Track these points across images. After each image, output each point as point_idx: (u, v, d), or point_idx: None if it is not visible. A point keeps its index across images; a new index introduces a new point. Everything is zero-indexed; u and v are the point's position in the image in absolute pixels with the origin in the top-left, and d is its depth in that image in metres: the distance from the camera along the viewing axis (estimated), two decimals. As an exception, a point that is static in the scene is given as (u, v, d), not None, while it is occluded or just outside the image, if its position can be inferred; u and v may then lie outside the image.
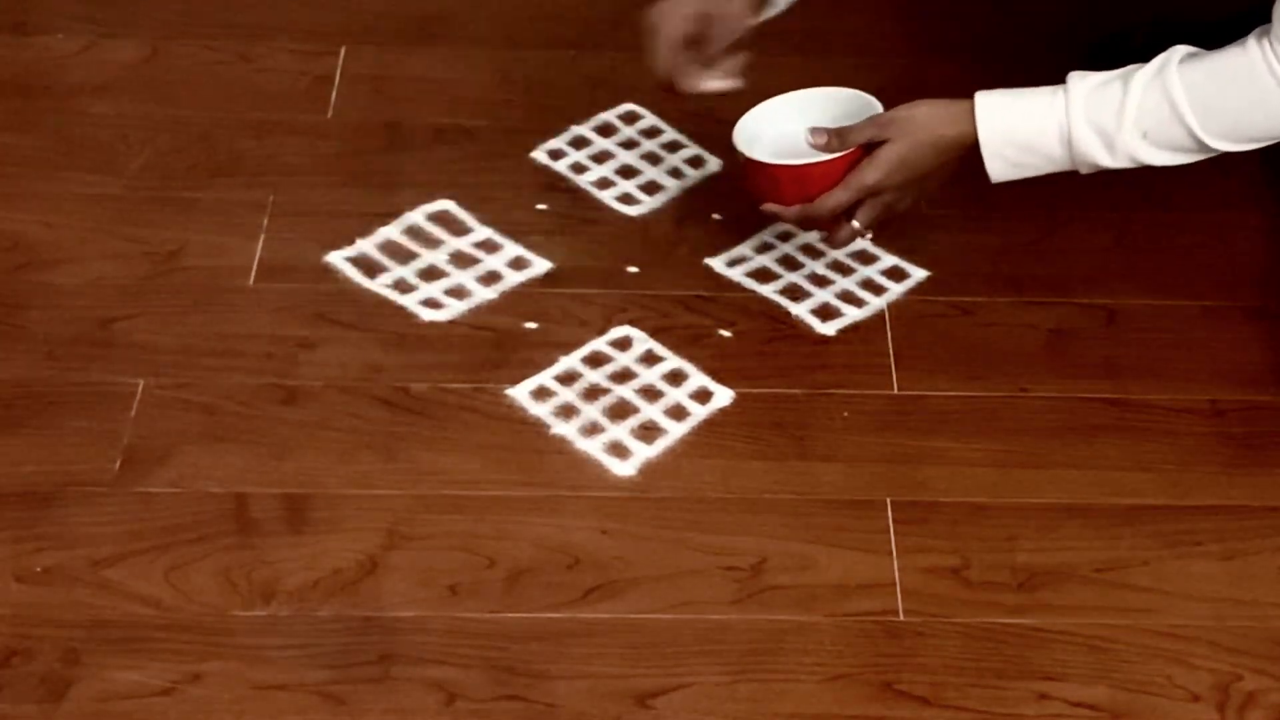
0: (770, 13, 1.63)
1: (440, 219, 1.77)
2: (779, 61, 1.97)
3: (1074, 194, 1.67)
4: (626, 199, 1.80)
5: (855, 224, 1.56)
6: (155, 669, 1.36)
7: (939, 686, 1.38)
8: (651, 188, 1.81)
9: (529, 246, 1.74)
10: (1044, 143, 1.49)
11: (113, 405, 1.56)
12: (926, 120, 1.53)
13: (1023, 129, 1.50)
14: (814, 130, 1.56)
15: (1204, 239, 1.75)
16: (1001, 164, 1.51)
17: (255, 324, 1.65)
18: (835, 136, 1.55)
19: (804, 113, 1.61)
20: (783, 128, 1.60)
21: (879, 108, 1.57)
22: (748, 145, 1.57)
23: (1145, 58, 1.77)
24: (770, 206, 1.57)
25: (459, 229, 1.76)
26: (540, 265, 1.72)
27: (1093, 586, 1.45)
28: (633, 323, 1.66)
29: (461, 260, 1.72)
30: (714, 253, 1.74)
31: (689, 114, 1.89)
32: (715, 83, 1.59)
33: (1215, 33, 1.60)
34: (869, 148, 1.53)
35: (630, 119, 1.89)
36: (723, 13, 1.57)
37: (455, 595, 1.43)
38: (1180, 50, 1.49)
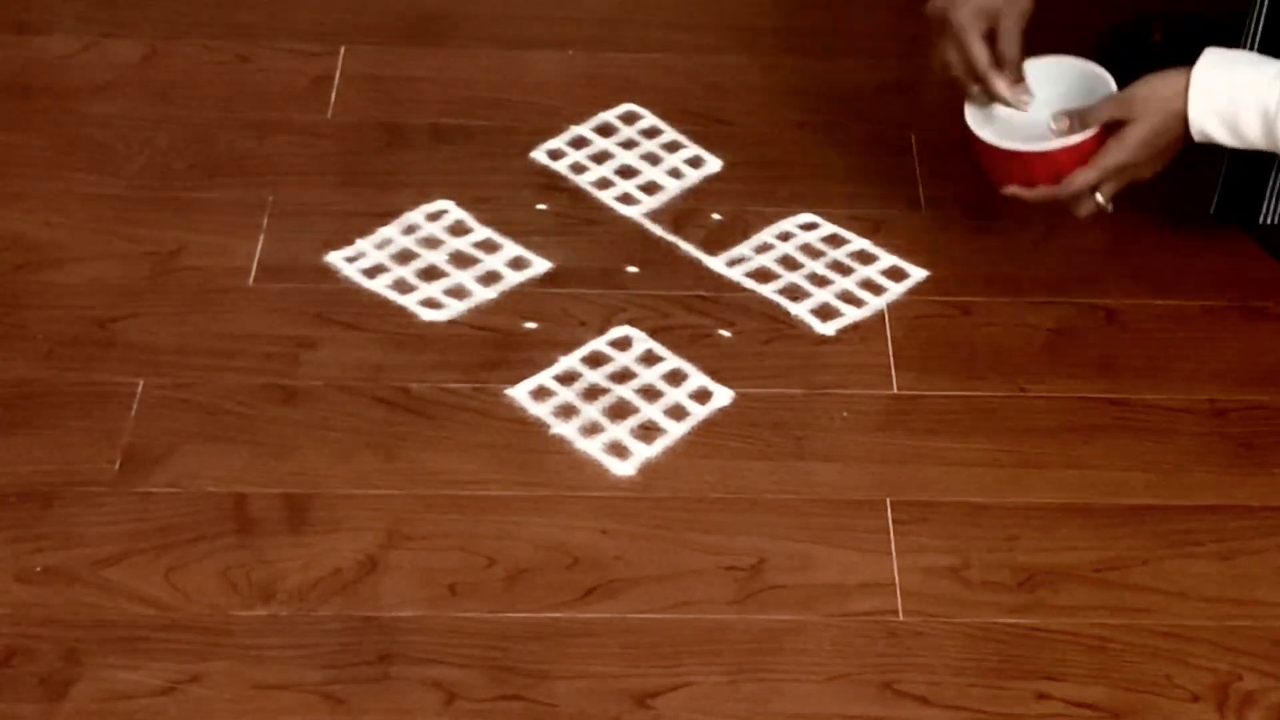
0: None
1: (440, 219, 1.77)
2: (779, 61, 1.98)
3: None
4: (626, 199, 1.80)
5: (1099, 198, 1.57)
6: (155, 669, 1.36)
7: (938, 686, 1.38)
8: (651, 188, 1.81)
9: (529, 246, 1.74)
10: (1245, 123, 1.49)
11: (112, 405, 1.56)
12: (1169, 94, 1.52)
13: (1226, 104, 1.49)
14: (1057, 115, 1.56)
15: (1204, 239, 1.74)
16: (1209, 133, 1.51)
17: (255, 324, 1.65)
18: (1078, 120, 1.56)
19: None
20: (1008, 109, 1.61)
21: (1104, 76, 1.58)
22: (982, 128, 1.58)
23: (1164, 54, 1.77)
24: (1014, 189, 1.58)
25: (459, 229, 1.76)
26: (540, 265, 1.72)
27: (1092, 586, 1.45)
28: (632, 323, 1.66)
29: (461, 260, 1.72)
30: (714, 253, 1.74)
31: (689, 114, 1.89)
32: (1025, 99, 1.60)
33: (1232, 24, 1.60)
34: (1111, 125, 1.54)
35: (630, 119, 1.90)
36: (1011, 3, 1.58)
37: (455, 595, 1.43)
38: None
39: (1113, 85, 1.58)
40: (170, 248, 1.72)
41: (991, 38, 1.59)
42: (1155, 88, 1.53)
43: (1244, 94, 1.49)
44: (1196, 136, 1.52)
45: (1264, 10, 1.59)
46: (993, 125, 1.60)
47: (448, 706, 1.35)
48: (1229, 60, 1.51)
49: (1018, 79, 1.60)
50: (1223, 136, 1.51)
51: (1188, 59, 1.62)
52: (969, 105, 1.60)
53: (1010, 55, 1.60)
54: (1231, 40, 1.60)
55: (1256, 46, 1.59)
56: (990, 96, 1.60)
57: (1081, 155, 1.55)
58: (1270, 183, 1.62)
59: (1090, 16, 2.00)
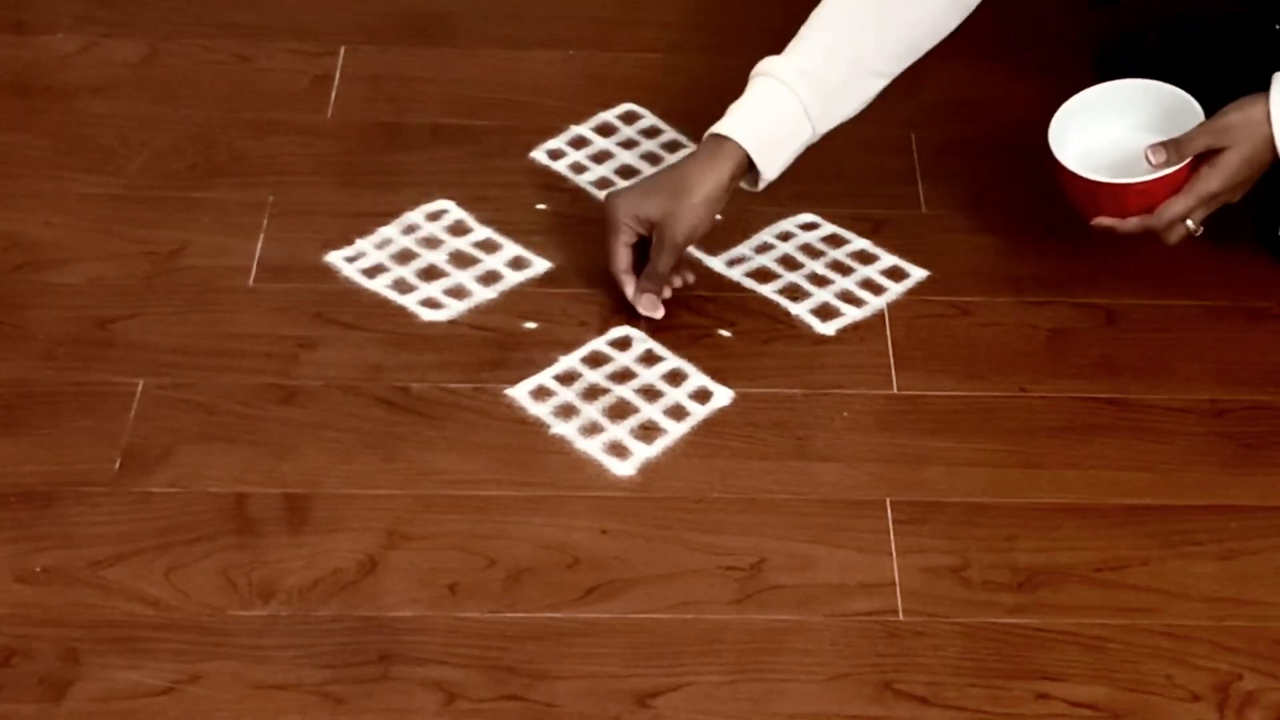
0: (760, 185, 1.64)
1: (440, 219, 1.77)
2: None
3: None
4: (626, 199, 1.80)
5: (1189, 224, 1.58)
6: (155, 669, 1.36)
7: (938, 686, 1.38)
8: (651, 188, 1.81)
9: (529, 246, 1.74)
10: None
11: (112, 405, 1.56)
12: (1260, 119, 1.53)
13: None
14: (1153, 148, 1.56)
15: (1204, 239, 1.74)
16: None
17: (255, 324, 1.65)
18: (1173, 150, 1.56)
19: (1107, 110, 1.62)
20: (1087, 132, 1.62)
21: (1190, 102, 1.58)
22: (1061, 153, 1.57)
23: (1158, 61, 1.78)
24: (1105, 221, 1.58)
25: (459, 229, 1.76)
26: (540, 265, 1.72)
27: (1092, 586, 1.45)
28: (632, 323, 1.66)
29: (461, 260, 1.72)
30: (714, 253, 1.74)
31: (689, 114, 1.89)
32: (646, 307, 1.64)
33: (1226, 33, 1.60)
34: (1205, 153, 1.55)
35: (630, 119, 1.90)
36: (671, 223, 1.59)
37: (455, 595, 1.43)
38: None
39: (1199, 112, 1.58)
40: (170, 248, 1.72)
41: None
42: (1248, 114, 1.54)
43: None
44: None
45: None
46: (1070, 150, 1.59)
47: (448, 706, 1.35)
48: None
49: (656, 290, 1.63)
50: None
51: (1183, 68, 1.63)
52: (1052, 132, 1.60)
53: (655, 268, 1.62)
54: (1227, 46, 1.60)
55: None
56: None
57: (1175, 185, 1.56)
58: None
59: (1088, 23, 2.00)
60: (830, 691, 1.37)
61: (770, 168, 1.60)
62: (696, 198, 1.59)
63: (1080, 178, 1.57)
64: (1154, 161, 1.56)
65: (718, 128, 1.60)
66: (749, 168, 1.60)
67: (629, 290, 1.64)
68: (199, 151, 1.83)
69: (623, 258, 1.63)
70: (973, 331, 1.67)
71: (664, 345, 1.64)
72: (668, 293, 1.65)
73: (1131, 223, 1.58)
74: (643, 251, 1.63)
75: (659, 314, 1.64)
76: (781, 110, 1.59)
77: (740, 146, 1.58)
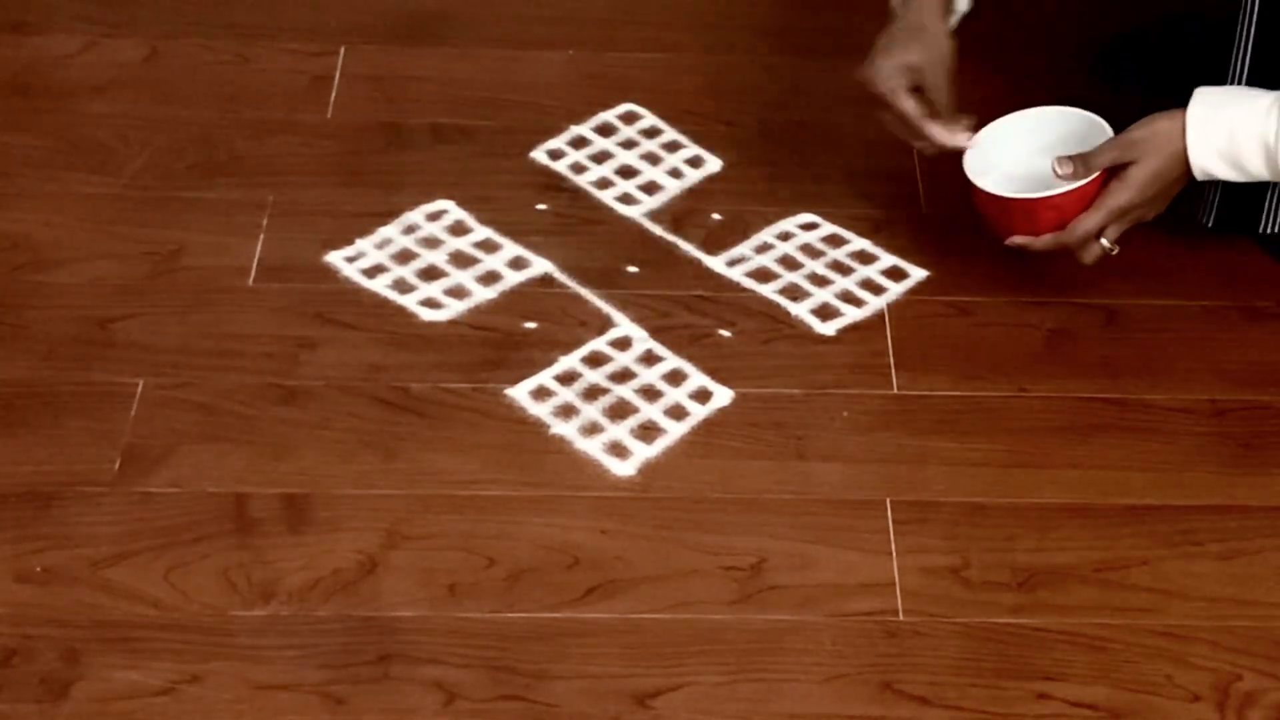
0: (954, 19, 1.66)
1: (440, 219, 1.77)
2: (780, 61, 1.99)
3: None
4: (626, 199, 1.80)
5: (1104, 242, 1.58)
6: (155, 669, 1.36)
7: (938, 686, 1.38)
8: (651, 188, 1.81)
9: (529, 246, 1.74)
10: (1248, 158, 1.52)
11: (113, 405, 1.56)
12: (1170, 134, 1.54)
13: (1226, 143, 1.52)
14: (1060, 160, 1.57)
15: (1204, 239, 1.74)
16: (1212, 171, 1.54)
17: (255, 324, 1.65)
18: (1080, 164, 1.56)
19: (1022, 136, 1.63)
20: (1005, 156, 1.63)
21: (1100, 122, 1.59)
22: (981, 179, 1.59)
23: (1160, 60, 1.78)
24: (1018, 239, 1.60)
25: (459, 229, 1.76)
26: (540, 265, 1.72)
27: (1092, 586, 1.45)
28: (632, 323, 1.66)
29: (461, 260, 1.72)
30: (714, 253, 1.74)
31: (689, 114, 1.89)
32: (962, 137, 1.62)
33: (1225, 33, 1.60)
34: (1114, 168, 1.55)
35: (630, 119, 1.90)
36: (930, 56, 1.61)
37: (455, 595, 1.43)
38: None
39: (1109, 130, 1.59)
40: (170, 248, 1.72)
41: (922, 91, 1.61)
42: (1156, 129, 1.55)
43: (1242, 130, 1.51)
44: (1199, 175, 1.55)
45: (1253, 24, 1.59)
46: (991, 175, 1.60)
47: (448, 706, 1.35)
48: (1221, 98, 1.53)
49: (954, 121, 1.62)
50: (1226, 173, 1.54)
51: (1183, 68, 1.63)
52: (966, 158, 1.61)
53: (942, 103, 1.62)
54: (1225, 48, 1.60)
55: (1249, 61, 1.59)
56: (934, 146, 1.62)
57: (1085, 200, 1.56)
58: (1270, 192, 1.62)
59: (1088, 24, 2.00)
60: (830, 691, 1.37)
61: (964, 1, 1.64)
62: (940, 33, 1.61)
63: (991, 196, 1.58)
64: (1061, 173, 1.56)
65: None
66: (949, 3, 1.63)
67: (939, 135, 1.62)
68: (199, 151, 1.83)
69: (913, 107, 1.61)
70: (973, 331, 1.67)
71: (664, 345, 1.64)
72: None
73: (1044, 240, 1.59)
74: None
75: (968, 139, 1.62)
76: None
77: None
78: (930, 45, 1.61)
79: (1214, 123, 1.52)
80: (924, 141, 1.63)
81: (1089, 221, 1.57)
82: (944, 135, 1.62)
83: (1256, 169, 1.52)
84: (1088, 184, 1.55)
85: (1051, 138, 1.62)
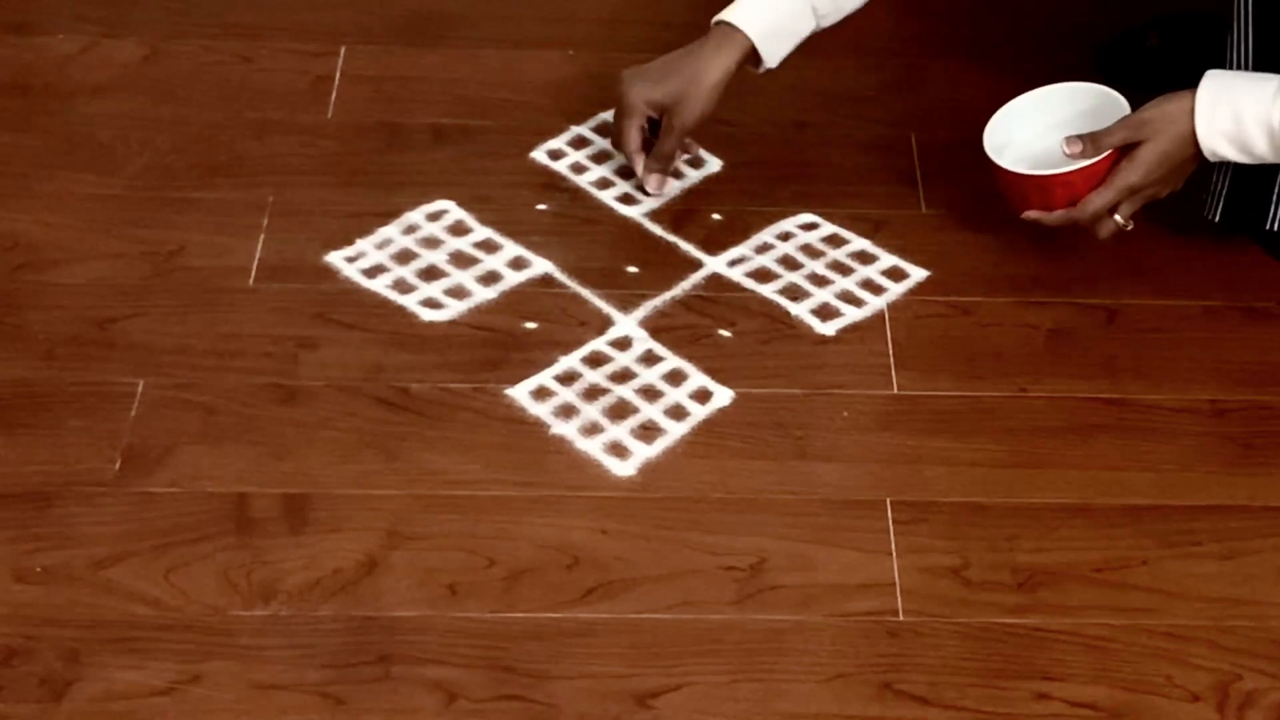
0: (761, 69, 1.73)
1: (440, 219, 1.77)
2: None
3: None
4: (626, 199, 1.80)
5: (1118, 218, 1.61)
6: (155, 669, 1.36)
7: (938, 686, 1.38)
8: (651, 188, 1.81)
9: (529, 246, 1.74)
10: (1253, 141, 1.54)
11: (113, 405, 1.56)
12: (1179, 115, 1.56)
13: (1233, 126, 1.54)
14: (1069, 139, 1.60)
15: (1204, 239, 1.74)
16: (1220, 153, 1.56)
17: (255, 324, 1.65)
18: (1090, 143, 1.59)
19: (1042, 112, 1.67)
20: (1025, 131, 1.67)
21: (1119, 99, 1.62)
22: (1000, 155, 1.63)
23: (1162, 58, 1.78)
24: (1033, 214, 1.63)
25: (459, 229, 1.76)
26: (540, 265, 1.72)
27: (1093, 586, 1.45)
28: (633, 323, 1.66)
29: (461, 260, 1.72)
30: (714, 253, 1.74)
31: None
32: (653, 183, 1.76)
33: (1226, 29, 1.60)
34: (1125, 147, 1.58)
35: (630, 119, 1.89)
36: (683, 105, 1.70)
37: (455, 595, 1.43)
38: None
39: (1126, 107, 1.61)
40: (170, 248, 1.72)
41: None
42: (1165, 110, 1.57)
43: (1248, 114, 1.53)
44: (1209, 156, 1.57)
45: (1250, 23, 1.59)
46: (1009, 151, 1.64)
47: (448, 706, 1.35)
48: (1229, 81, 1.55)
49: (663, 169, 1.75)
50: (1234, 155, 1.56)
51: (1185, 63, 1.63)
52: (987, 134, 1.64)
53: (662, 149, 1.74)
54: (1225, 47, 1.60)
55: (1249, 62, 1.59)
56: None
57: (1096, 177, 1.59)
58: (1277, 190, 1.62)
59: (1088, 24, 2.00)
60: (830, 691, 1.37)
61: (773, 57, 1.71)
62: (705, 85, 1.69)
63: (1007, 171, 1.62)
64: (1069, 152, 1.60)
65: (727, 14, 1.69)
66: (754, 55, 1.70)
67: (639, 168, 1.75)
68: (199, 151, 1.83)
69: (634, 139, 1.74)
70: (973, 331, 1.67)
71: (664, 345, 1.64)
72: (670, 184, 1.78)
73: (1057, 215, 1.62)
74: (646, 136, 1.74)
75: (667, 189, 1.77)
76: (790, 2, 1.68)
77: (747, 37, 1.68)
78: (689, 96, 1.69)
79: (1221, 105, 1.54)
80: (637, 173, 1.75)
81: (1099, 199, 1.59)
82: (641, 175, 1.75)
83: (1262, 152, 1.54)
84: (1099, 162, 1.58)
85: (1071, 113, 1.65)
